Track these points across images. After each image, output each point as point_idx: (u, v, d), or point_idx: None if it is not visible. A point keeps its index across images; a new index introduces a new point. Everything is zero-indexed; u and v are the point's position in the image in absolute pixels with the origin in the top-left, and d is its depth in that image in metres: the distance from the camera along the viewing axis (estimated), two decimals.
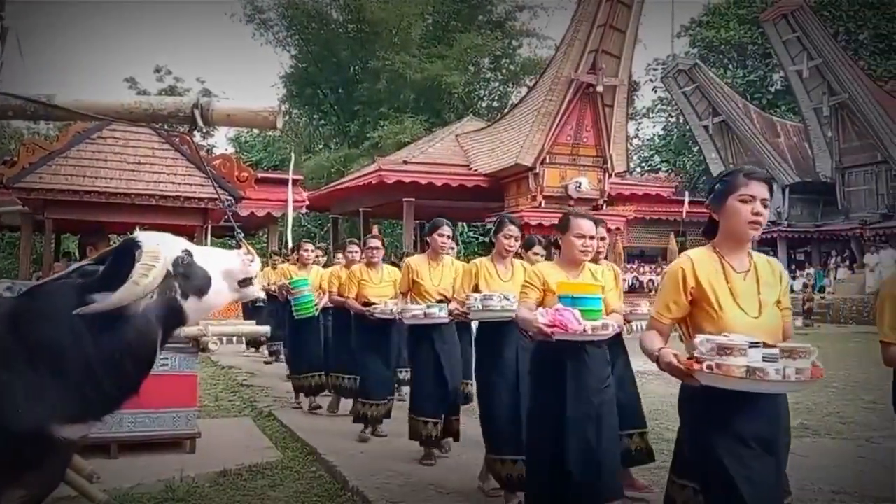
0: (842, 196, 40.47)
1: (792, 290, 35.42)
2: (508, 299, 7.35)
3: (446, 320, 8.77)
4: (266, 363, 19.16)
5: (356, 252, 12.36)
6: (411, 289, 9.37)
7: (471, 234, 44.28)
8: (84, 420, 3.92)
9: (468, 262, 9.12)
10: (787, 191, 42.80)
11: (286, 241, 27.33)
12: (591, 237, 6.50)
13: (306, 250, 13.73)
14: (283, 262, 18.77)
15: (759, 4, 54.02)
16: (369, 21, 49.95)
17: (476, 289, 8.02)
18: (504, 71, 55.94)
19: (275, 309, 16.51)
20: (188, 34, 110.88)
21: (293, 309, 12.53)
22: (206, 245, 13.29)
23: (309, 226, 51.41)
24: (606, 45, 26.36)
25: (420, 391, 9.19)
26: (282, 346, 17.66)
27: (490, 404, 7.70)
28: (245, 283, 4.37)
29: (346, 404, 11.93)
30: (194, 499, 7.66)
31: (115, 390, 3.93)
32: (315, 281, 13.08)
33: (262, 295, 15.82)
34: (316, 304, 12.59)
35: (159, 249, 4.00)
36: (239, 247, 4.48)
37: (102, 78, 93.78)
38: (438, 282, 9.30)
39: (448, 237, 9.38)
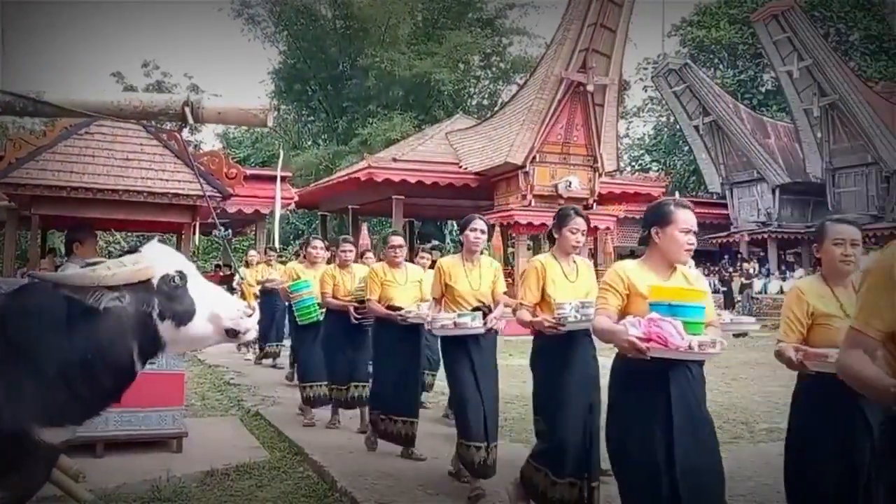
0: (832, 197, 40.51)
1: (781, 291, 35.53)
2: (587, 307, 6.54)
3: (481, 330, 7.81)
4: (256, 363, 18.51)
5: (350, 252, 11.30)
6: (444, 294, 8.26)
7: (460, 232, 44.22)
8: (63, 424, 3.87)
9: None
10: (777, 191, 42.87)
11: (273, 239, 27.26)
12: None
13: (315, 247, 12.39)
14: (264, 259, 19.43)
15: (750, 4, 54.12)
16: (358, 17, 49.93)
17: (543, 292, 7.06)
18: (494, 69, 55.99)
19: (271, 308, 16.85)
20: (176, 29, 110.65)
21: (295, 314, 11.91)
22: (194, 241, 13.27)
23: (297, 223, 51.39)
24: (597, 44, 26.37)
25: (464, 412, 7.84)
26: (275, 347, 17.88)
27: (560, 426, 6.74)
28: (232, 333, 4.24)
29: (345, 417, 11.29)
30: (181, 499, 7.60)
31: (89, 394, 3.89)
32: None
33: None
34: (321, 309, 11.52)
35: (145, 258, 3.95)
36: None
37: (90, 73, 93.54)
38: (477, 285, 8.21)
39: (482, 232, 8.30)
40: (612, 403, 5.37)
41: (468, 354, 7.88)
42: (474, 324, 7.74)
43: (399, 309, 9.39)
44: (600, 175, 28.46)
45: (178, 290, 4.04)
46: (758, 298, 36.35)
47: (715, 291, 33.23)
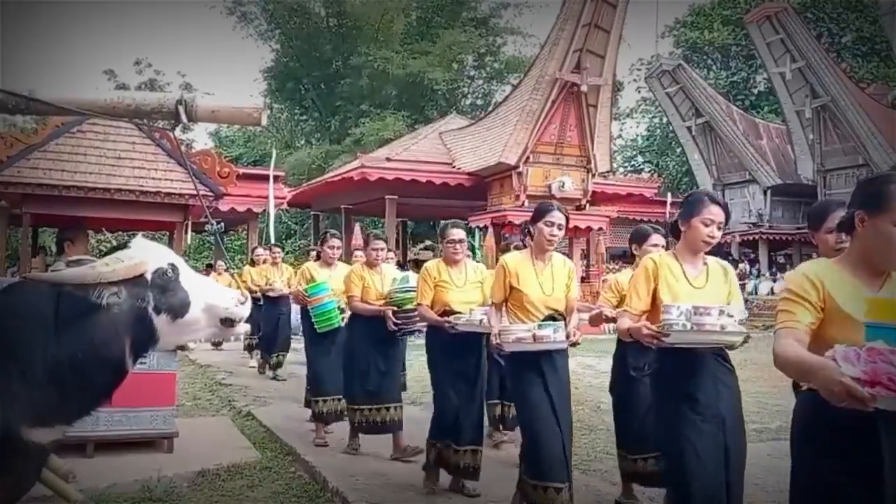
0: (823, 198, 40.60)
1: (772, 293, 35.61)
2: (731, 315, 5.08)
3: (564, 345, 6.54)
4: (260, 372, 16.96)
5: (382, 250, 9.85)
6: (508, 298, 6.95)
7: None
8: (52, 424, 3.85)
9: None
10: (768, 193, 42.93)
11: (267, 238, 27.20)
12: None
13: (332, 246, 10.65)
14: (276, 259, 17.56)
15: (744, 6, 54.17)
16: (351, 15, 49.93)
17: (655, 296, 5.56)
18: (488, 69, 56.00)
19: (274, 314, 16.22)
20: (168, 27, 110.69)
21: (313, 321, 10.25)
22: (185, 240, 13.24)
23: (289, 223, 51.35)
24: (591, 45, 26.39)
25: (538, 445, 6.45)
26: (280, 357, 16.42)
27: (687, 471, 5.22)
28: (227, 322, 4.24)
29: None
30: (172, 499, 7.59)
31: (81, 394, 3.87)
32: (340, 284, 10.31)
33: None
34: (343, 313, 10.22)
35: (138, 252, 3.93)
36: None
37: (81, 71, 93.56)
38: (549, 289, 6.86)
39: (560, 227, 6.82)
40: (802, 469, 3.90)
41: (541, 374, 6.56)
42: (557, 336, 6.43)
43: (456, 314, 7.97)
44: (593, 176, 28.50)
45: (172, 283, 4.04)
46: (748, 299, 36.40)
47: None
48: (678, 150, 54.64)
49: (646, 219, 36.27)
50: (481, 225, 29.29)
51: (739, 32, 53.93)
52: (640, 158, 66.26)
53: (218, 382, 15.35)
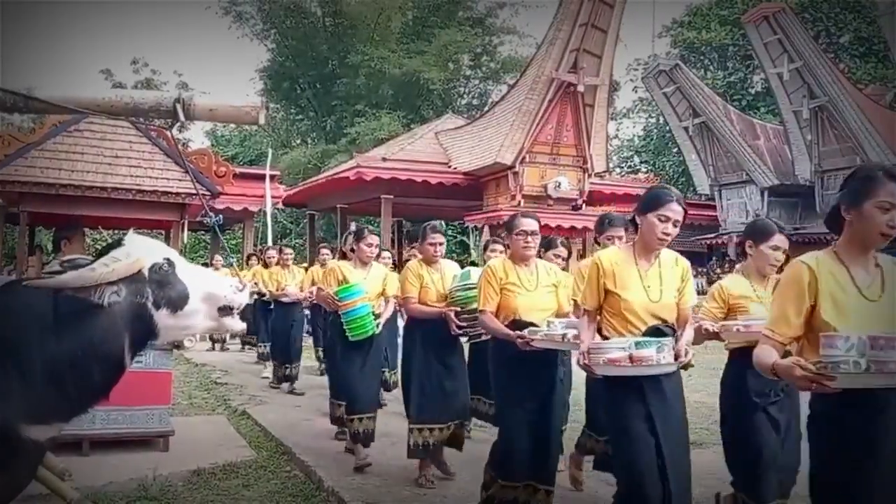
0: (821, 199, 40.49)
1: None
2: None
3: (671, 368, 5.24)
4: (272, 386, 15.11)
5: (441, 245, 8.76)
6: (602, 305, 5.61)
7: (449, 232, 44.19)
8: (49, 421, 3.86)
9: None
10: (765, 193, 42.88)
11: (264, 237, 27.19)
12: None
13: (370, 244, 9.41)
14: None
15: (741, 6, 54.05)
16: (347, 14, 49.86)
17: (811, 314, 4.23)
18: (484, 68, 55.89)
19: (286, 321, 14.81)
20: (165, 27, 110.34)
21: (345, 329, 8.98)
22: (182, 239, 13.25)
23: (285, 222, 51.32)
24: (588, 45, 26.32)
25: (640, 491, 5.19)
26: (294, 369, 14.65)
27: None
28: (226, 311, 4.26)
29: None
30: (167, 497, 7.59)
31: (79, 391, 3.88)
32: (376, 286, 9.42)
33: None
34: (378, 319, 9.20)
35: (134, 249, 3.95)
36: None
37: (82, 70, 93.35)
38: (657, 295, 5.48)
39: (677, 224, 5.40)
40: None
41: (644, 402, 5.26)
42: (662, 357, 5.12)
43: (527, 325, 6.60)
44: (590, 176, 28.44)
45: (169, 276, 4.06)
46: None
47: (702, 293, 33.21)
48: (675, 150, 54.57)
49: None
50: (479, 225, 29.28)
51: (737, 32, 53.86)
52: (636, 159, 66.18)
53: (213, 381, 15.35)
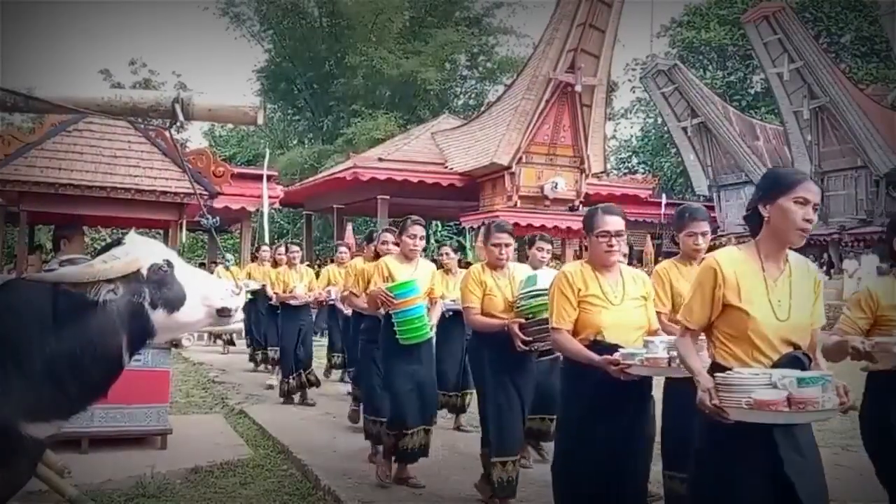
0: (821, 201, 40.56)
1: None
2: None
3: (834, 413, 3.96)
4: (285, 400, 13.33)
5: (508, 246, 7.44)
6: (716, 323, 4.31)
7: (444, 232, 44.16)
8: (49, 419, 3.89)
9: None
10: None
11: (262, 237, 27.20)
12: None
13: (413, 235, 8.24)
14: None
15: (741, 5, 54.03)
16: (344, 15, 49.85)
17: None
18: (481, 69, 55.92)
19: (294, 324, 13.32)
20: (163, 27, 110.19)
21: (396, 331, 7.84)
22: (180, 239, 13.28)
23: (282, 222, 51.30)
24: (585, 45, 26.36)
25: None
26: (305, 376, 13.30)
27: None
28: (224, 313, 4.30)
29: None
30: (165, 495, 7.63)
31: (77, 389, 3.92)
32: (424, 284, 8.31)
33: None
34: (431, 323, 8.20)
35: (133, 248, 3.99)
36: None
37: (82, 70, 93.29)
38: (785, 312, 4.19)
39: (816, 209, 4.26)
40: None
41: (770, 453, 3.99)
42: (827, 399, 3.84)
43: (614, 348, 5.29)
44: (587, 176, 28.49)
45: (168, 278, 4.11)
46: None
47: None
48: (673, 150, 54.50)
49: (640, 220, 36.48)
50: (475, 226, 29.30)
51: (736, 32, 53.81)
52: (634, 159, 66.11)
53: (211, 380, 15.36)
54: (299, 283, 13.52)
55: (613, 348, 5.24)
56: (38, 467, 5.36)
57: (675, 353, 4.71)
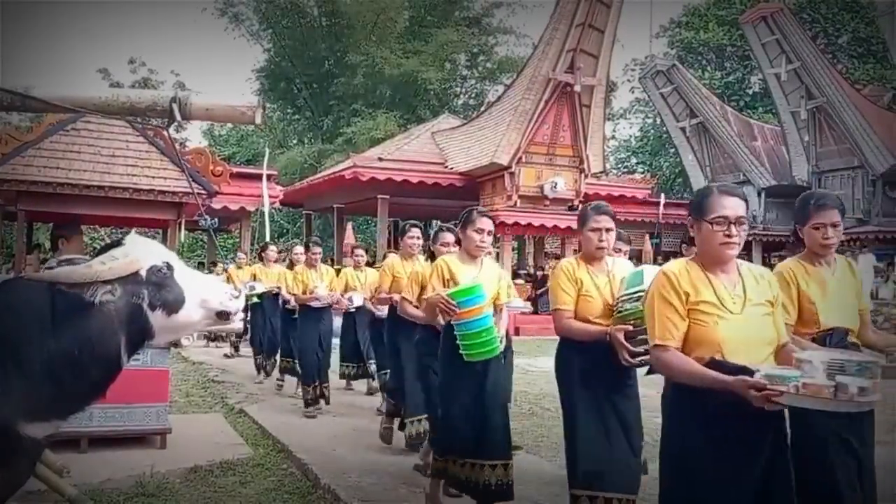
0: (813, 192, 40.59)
1: None
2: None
3: None
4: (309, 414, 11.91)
5: (611, 235, 6.13)
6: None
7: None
8: (48, 419, 3.89)
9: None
10: (763, 194, 42.87)
11: (262, 236, 27.19)
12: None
13: (480, 230, 6.84)
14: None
15: (739, 6, 54.08)
16: (344, 15, 49.81)
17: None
18: (481, 68, 55.86)
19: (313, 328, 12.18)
20: (162, 27, 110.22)
21: (460, 346, 6.46)
22: (179, 238, 13.28)
23: (282, 221, 51.30)
24: (585, 45, 26.36)
25: None
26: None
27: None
28: (223, 315, 4.30)
29: None
30: (165, 494, 7.60)
31: (76, 389, 3.92)
32: (490, 288, 6.81)
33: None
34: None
35: (133, 250, 3.99)
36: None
37: (82, 70, 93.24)
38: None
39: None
40: None
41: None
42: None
43: (743, 370, 3.91)
44: (586, 176, 28.49)
45: (167, 280, 4.09)
46: None
47: None
48: (672, 150, 54.48)
49: (638, 220, 36.49)
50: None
51: (734, 33, 53.84)
52: (633, 159, 66.08)
53: (211, 379, 15.35)
54: (320, 282, 12.31)
55: (742, 369, 3.90)
56: (38, 467, 5.37)
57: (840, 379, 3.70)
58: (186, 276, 4.21)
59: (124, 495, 7.45)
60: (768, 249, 44.26)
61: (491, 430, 6.50)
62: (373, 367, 12.96)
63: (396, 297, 8.79)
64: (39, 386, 3.76)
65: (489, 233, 6.85)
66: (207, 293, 4.24)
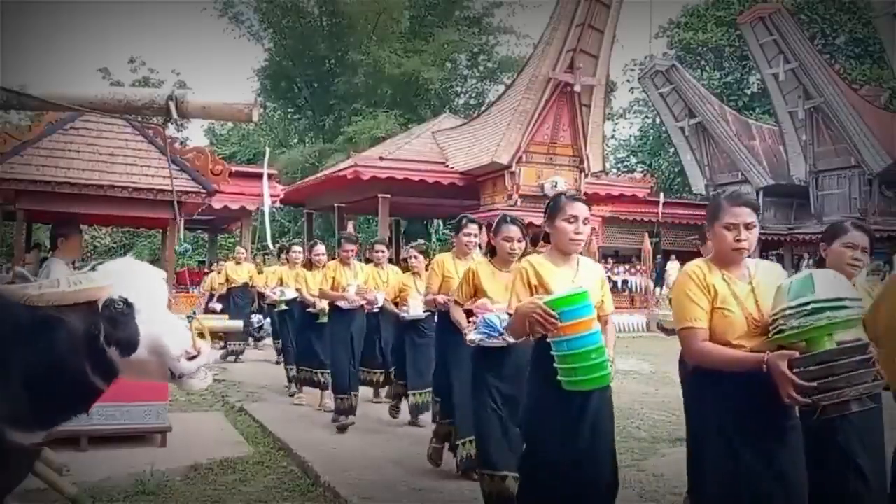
0: (815, 200, 40.60)
1: None
2: None
3: None
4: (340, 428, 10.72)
5: (745, 225, 4.53)
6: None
7: (446, 231, 44.14)
8: (31, 429, 3.85)
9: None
10: (760, 193, 42.91)
11: (263, 236, 27.17)
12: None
13: (574, 218, 5.34)
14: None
15: (737, 7, 54.13)
16: (345, 14, 49.80)
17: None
18: (481, 68, 55.94)
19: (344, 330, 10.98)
20: (163, 27, 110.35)
21: (560, 371, 4.87)
22: (178, 238, 13.26)
23: (283, 221, 51.29)
24: (584, 45, 26.34)
25: None
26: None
27: None
28: (178, 375, 3.94)
29: None
30: (165, 492, 7.64)
31: (47, 404, 3.83)
32: (595, 295, 5.28)
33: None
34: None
35: (92, 279, 3.84)
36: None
37: (82, 70, 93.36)
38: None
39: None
40: None
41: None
42: None
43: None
44: (586, 175, 28.49)
45: (122, 317, 3.84)
46: None
47: None
48: (671, 150, 54.57)
49: (638, 219, 36.53)
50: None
51: (733, 33, 53.89)
52: (633, 159, 66.11)
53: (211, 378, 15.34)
54: (353, 280, 11.15)
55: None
56: (37, 465, 5.38)
57: None
58: (149, 318, 3.90)
59: (124, 493, 7.48)
60: (766, 248, 44.35)
61: (595, 486, 5.07)
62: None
63: (441, 298, 8.25)
64: (18, 395, 3.72)
65: (586, 220, 5.37)
66: (162, 344, 3.88)
